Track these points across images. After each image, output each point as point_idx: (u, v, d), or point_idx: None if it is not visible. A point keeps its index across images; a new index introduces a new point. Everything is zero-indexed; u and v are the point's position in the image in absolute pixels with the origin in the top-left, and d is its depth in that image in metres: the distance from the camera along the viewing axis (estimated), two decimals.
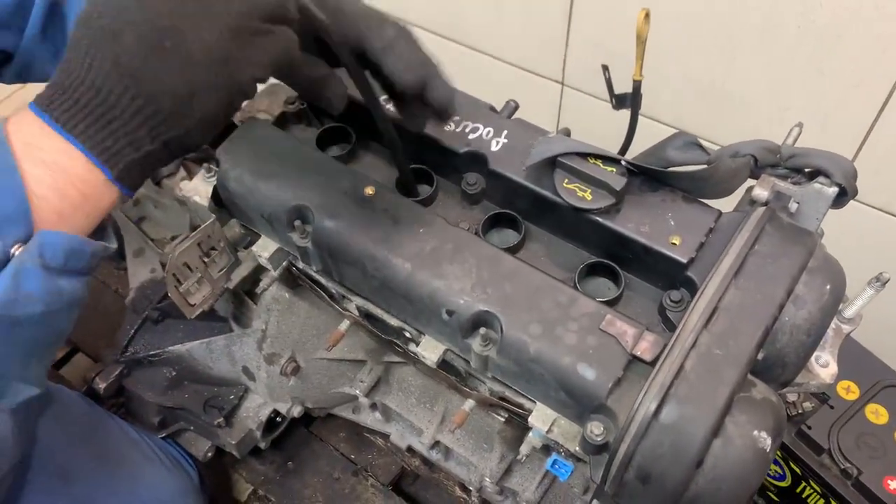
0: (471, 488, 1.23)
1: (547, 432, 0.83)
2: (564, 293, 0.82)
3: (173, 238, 1.33)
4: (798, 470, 1.28)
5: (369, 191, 0.91)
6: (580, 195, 0.86)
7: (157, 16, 0.59)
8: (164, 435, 1.38)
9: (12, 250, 0.58)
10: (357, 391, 1.20)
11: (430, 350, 0.89)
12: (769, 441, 0.72)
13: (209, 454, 1.41)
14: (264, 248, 0.98)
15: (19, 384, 0.64)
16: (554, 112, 1.81)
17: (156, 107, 0.61)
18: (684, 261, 0.83)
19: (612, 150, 0.93)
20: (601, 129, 1.46)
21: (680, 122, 1.60)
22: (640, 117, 1.03)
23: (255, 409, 1.36)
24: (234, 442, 1.33)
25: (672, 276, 0.85)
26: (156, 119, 0.61)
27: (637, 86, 1.01)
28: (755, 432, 0.72)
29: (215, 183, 0.96)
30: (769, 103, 1.46)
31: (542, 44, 1.69)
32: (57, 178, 0.60)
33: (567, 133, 1.11)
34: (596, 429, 0.76)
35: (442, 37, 1.86)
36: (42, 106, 0.61)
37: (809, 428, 1.26)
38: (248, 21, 0.62)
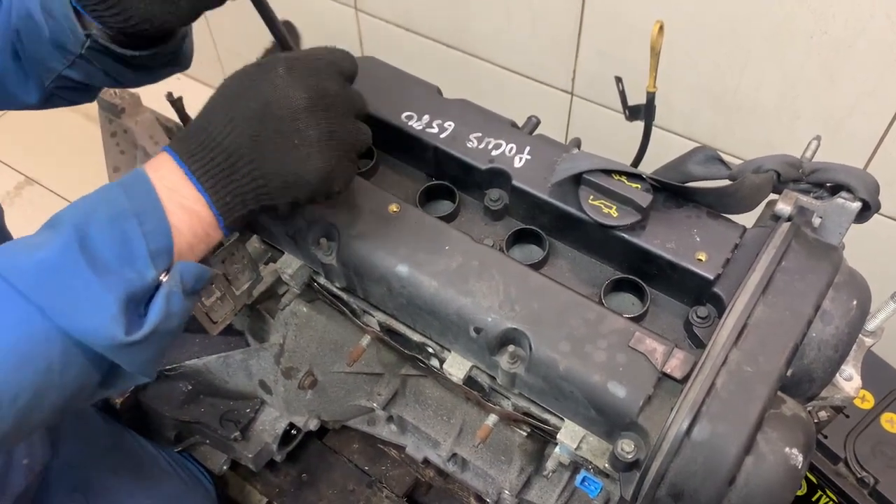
0: (488, 500, 1.24)
1: (576, 449, 0.84)
2: (592, 310, 0.82)
3: None
4: (814, 479, 1.29)
5: (394, 208, 0.91)
6: (606, 212, 0.86)
7: (293, 117, 0.74)
8: (179, 449, 1.38)
9: (161, 277, 0.72)
10: (374, 404, 1.20)
11: (456, 367, 0.90)
12: (800, 458, 0.73)
13: (224, 467, 1.41)
14: (288, 265, 0.98)
15: (143, 378, 0.78)
16: (563, 122, 1.81)
17: (266, 182, 0.76)
18: (711, 277, 0.83)
19: (623, 160, 0.94)
20: (610, 139, 1.47)
21: (691, 132, 1.61)
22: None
23: (271, 423, 1.36)
24: (250, 455, 1.34)
25: (698, 292, 0.85)
26: (262, 190, 0.76)
27: (651, 97, 1.01)
28: (787, 449, 0.73)
29: None
30: (781, 112, 1.47)
31: (552, 54, 1.70)
32: (192, 220, 0.74)
33: (578, 143, 1.12)
34: (627, 446, 0.76)
35: (450, 47, 1.87)
36: (183, 157, 0.75)
37: (825, 437, 1.27)
38: (352, 152, 0.80)
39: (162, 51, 0.90)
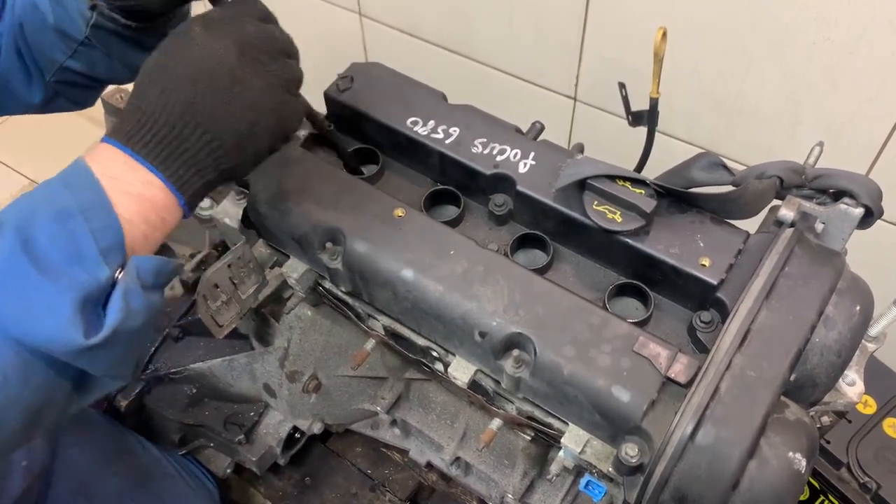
0: None
1: (580, 453, 0.84)
2: (597, 315, 0.83)
3: (192, 255, 1.34)
4: (816, 484, 1.29)
5: (399, 213, 0.92)
6: (610, 217, 0.87)
7: (228, 68, 0.72)
8: (184, 452, 1.38)
9: (116, 275, 0.68)
10: (378, 408, 1.20)
11: (461, 371, 0.90)
12: (804, 462, 0.73)
13: (228, 470, 1.42)
14: (293, 269, 0.99)
15: (118, 381, 0.76)
16: (566, 128, 1.82)
17: (220, 142, 0.73)
18: (714, 282, 0.84)
19: (626, 166, 0.94)
20: (613, 144, 1.47)
21: (693, 137, 1.61)
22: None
23: (274, 426, 1.36)
24: (254, 458, 1.34)
25: (702, 297, 0.86)
26: (219, 152, 0.73)
27: (654, 103, 1.02)
28: (790, 454, 0.73)
29: (245, 205, 0.96)
30: (783, 118, 1.48)
31: (555, 59, 1.70)
32: (143, 206, 0.71)
33: (580, 149, 1.12)
34: (631, 450, 0.76)
35: (454, 52, 1.88)
36: (122, 140, 0.71)
37: (828, 442, 1.27)
38: (293, 88, 0.79)
39: (162, 28, 0.91)
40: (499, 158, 0.95)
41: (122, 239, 0.69)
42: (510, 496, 1.15)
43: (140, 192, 0.70)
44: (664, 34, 0.94)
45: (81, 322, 0.65)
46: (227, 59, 0.72)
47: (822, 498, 1.30)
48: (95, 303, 0.67)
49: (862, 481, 1.24)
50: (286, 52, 0.79)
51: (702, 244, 0.86)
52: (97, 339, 0.66)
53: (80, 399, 0.74)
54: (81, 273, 0.66)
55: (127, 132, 0.72)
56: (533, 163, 0.95)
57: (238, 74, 0.73)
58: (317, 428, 1.32)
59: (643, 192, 0.87)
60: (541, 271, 0.91)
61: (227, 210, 0.98)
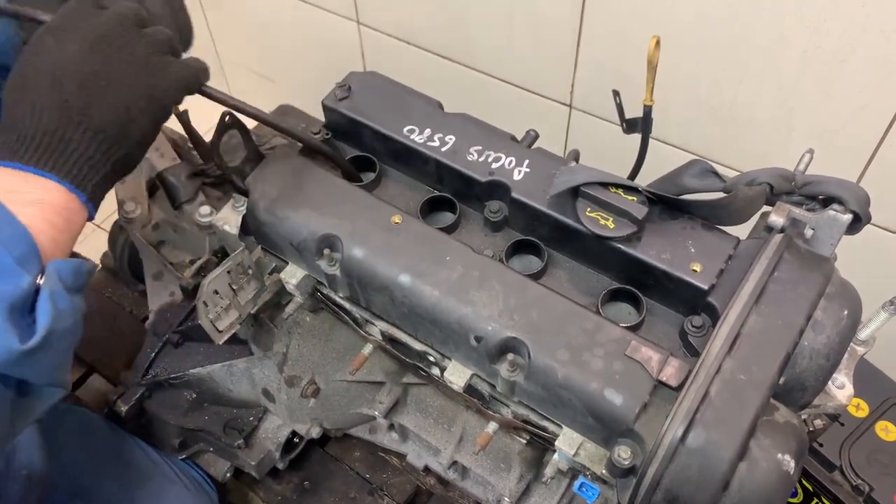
0: None
1: (574, 455, 0.85)
2: (590, 319, 0.84)
3: (192, 262, 1.35)
4: (810, 487, 1.30)
5: (396, 219, 0.93)
6: (603, 223, 0.88)
7: (90, 64, 0.76)
8: (184, 456, 1.39)
9: (38, 281, 0.70)
10: (376, 412, 1.22)
11: (456, 375, 0.92)
12: (793, 464, 0.75)
13: (228, 475, 1.43)
14: (292, 275, 1.00)
15: (59, 389, 0.75)
16: (562, 135, 1.84)
17: (104, 134, 0.76)
18: (705, 287, 0.85)
19: (621, 172, 0.96)
20: (609, 151, 1.48)
21: (687, 144, 1.63)
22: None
23: (273, 431, 1.37)
24: (253, 463, 1.35)
25: (693, 302, 0.87)
26: (106, 144, 0.76)
27: (648, 111, 1.03)
28: (779, 455, 0.74)
29: (244, 212, 0.98)
30: (776, 125, 1.49)
31: (551, 67, 1.72)
32: (45, 212, 0.73)
33: (576, 156, 1.14)
34: (623, 453, 0.78)
35: (451, 60, 1.90)
36: (7, 158, 0.74)
37: (821, 445, 1.29)
38: (160, 56, 0.80)
39: None
40: (494, 166, 0.97)
41: (34, 245, 0.71)
42: (507, 499, 1.17)
43: (40, 198, 0.73)
44: (657, 42, 0.95)
45: (14, 329, 0.66)
46: (83, 57, 0.75)
47: (815, 500, 1.31)
48: (22, 310, 0.69)
49: (855, 484, 1.25)
50: (138, 23, 0.80)
51: (693, 250, 0.88)
52: (34, 341, 0.67)
53: (24, 415, 0.74)
54: (3, 285, 0.67)
55: (11, 150, 0.74)
56: (527, 170, 0.96)
57: (98, 68, 0.75)
58: (315, 432, 1.34)
59: (635, 198, 0.88)
60: (535, 277, 0.93)
61: (227, 217, 0.99)
